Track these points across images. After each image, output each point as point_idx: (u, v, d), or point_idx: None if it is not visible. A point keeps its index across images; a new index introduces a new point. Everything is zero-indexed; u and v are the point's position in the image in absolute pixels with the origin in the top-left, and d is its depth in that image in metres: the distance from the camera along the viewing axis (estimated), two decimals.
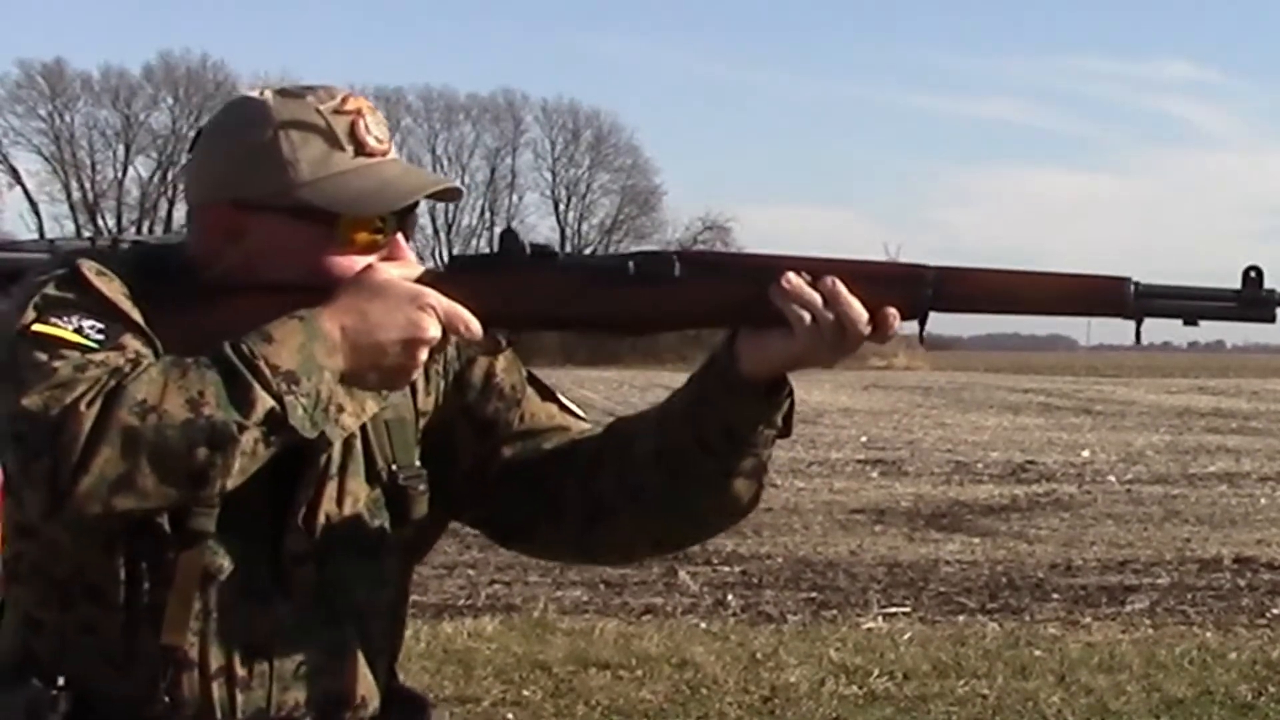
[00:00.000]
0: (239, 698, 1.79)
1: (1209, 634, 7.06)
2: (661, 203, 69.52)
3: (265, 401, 1.62)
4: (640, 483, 1.88)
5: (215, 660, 1.78)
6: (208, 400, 1.61)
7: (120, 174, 60.74)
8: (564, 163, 67.30)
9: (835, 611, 7.65)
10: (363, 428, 1.86)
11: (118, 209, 60.05)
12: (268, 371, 1.63)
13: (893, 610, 7.65)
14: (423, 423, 1.94)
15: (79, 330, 1.68)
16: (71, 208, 61.75)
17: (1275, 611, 7.67)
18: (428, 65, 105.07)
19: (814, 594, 8.15)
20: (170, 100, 60.58)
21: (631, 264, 1.81)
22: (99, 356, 1.65)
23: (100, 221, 59.00)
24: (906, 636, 6.89)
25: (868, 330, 1.75)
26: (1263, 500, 12.43)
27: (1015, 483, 13.59)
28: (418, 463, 1.90)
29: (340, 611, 1.84)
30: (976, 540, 10.10)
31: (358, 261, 1.78)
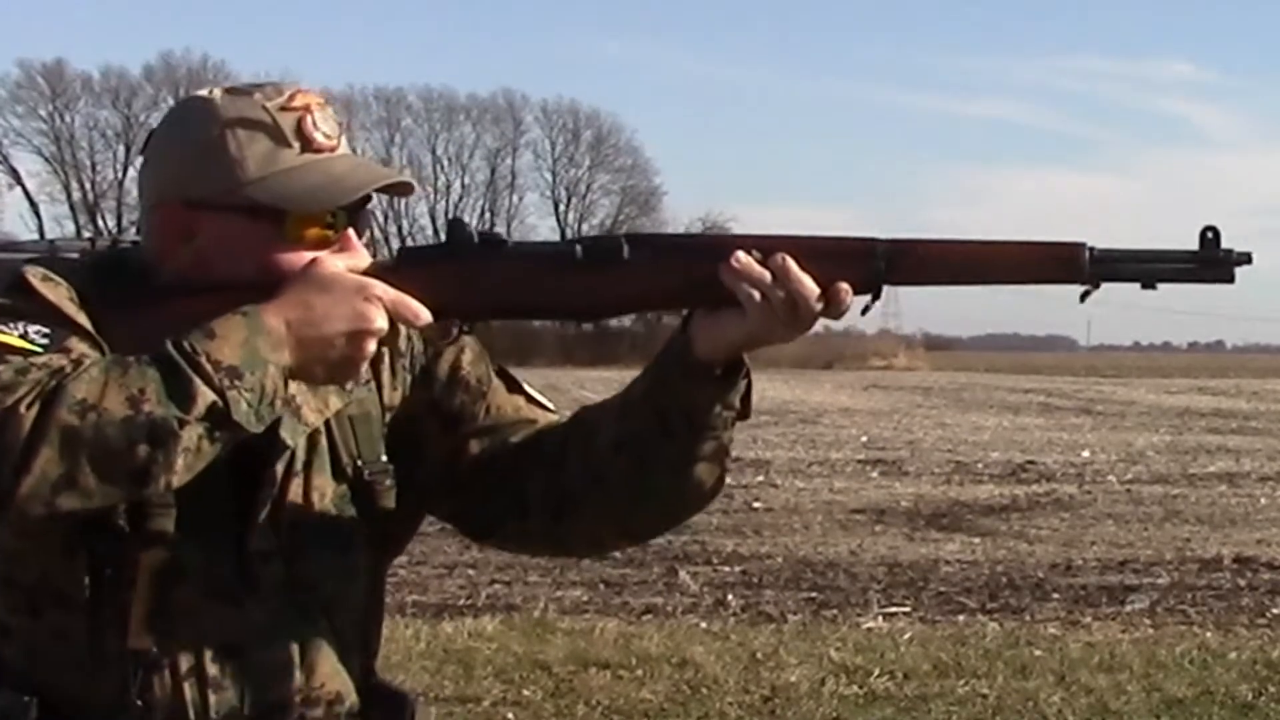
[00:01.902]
0: (211, 698, 1.79)
1: (1209, 634, 7.06)
2: (661, 203, 69.54)
3: (206, 396, 1.61)
4: (604, 472, 1.88)
5: (185, 661, 1.78)
6: (148, 397, 1.60)
7: (120, 174, 60.72)
8: (564, 163, 67.36)
9: (835, 611, 7.65)
10: (327, 423, 1.87)
11: (118, 209, 60.03)
12: (209, 367, 1.62)
13: (893, 610, 7.65)
14: (389, 417, 1.93)
15: (24, 336, 1.68)
16: (71, 208, 61.77)
17: (1275, 611, 7.67)
18: (428, 65, 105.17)
19: (814, 594, 8.15)
20: (170, 100, 60.38)
21: (580, 249, 1.80)
22: (42, 359, 1.64)
23: (100, 221, 59.01)
24: (906, 636, 6.89)
25: (820, 306, 1.74)
26: (1263, 500, 12.43)
27: (1015, 483, 13.58)
28: (384, 457, 1.90)
29: (310, 607, 1.84)
30: (976, 540, 10.10)
31: (308, 258, 1.77)
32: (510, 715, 5.62)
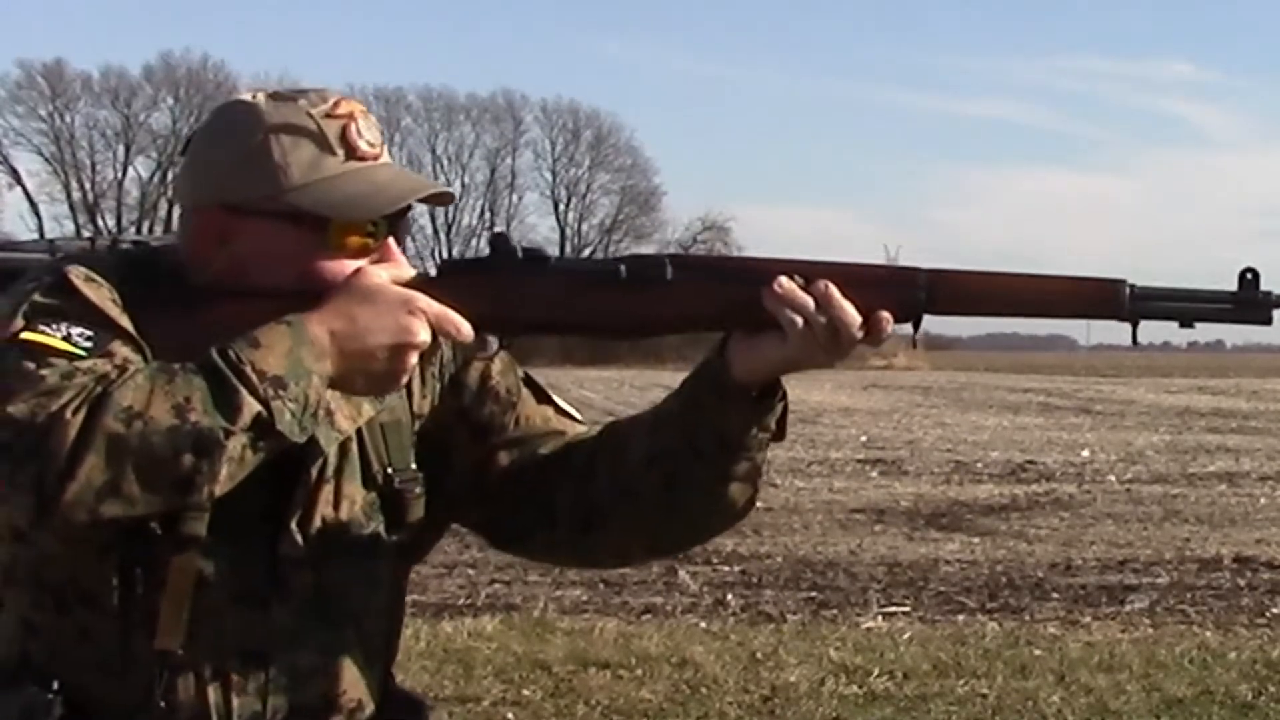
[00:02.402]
0: (234, 702, 1.79)
1: (1209, 634, 7.06)
2: (661, 203, 69.53)
3: (252, 407, 1.61)
4: (634, 487, 1.88)
5: (210, 665, 1.78)
6: (194, 406, 1.60)
7: (120, 174, 60.78)
8: (564, 163, 67.30)
9: (835, 611, 7.65)
10: (358, 431, 1.86)
11: (118, 209, 60.07)
12: (254, 377, 1.62)
13: (893, 610, 7.65)
14: (418, 425, 1.93)
15: (67, 338, 1.68)
16: (71, 208, 61.75)
17: (1275, 611, 7.67)
18: (428, 65, 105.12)
19: (814, 594, 8.15)
20: (170, 100, 60.50)
21: (623, 268, 1.80)
22: (86, 364, 1.64)
23: (100, 221, 58.99)
24: (906, 636, 6.89)
25: (861, 334, 1.74)
26: (1263, 500, 12.43)
27: (1015, 482, 13.58)
28: (414, 465, 1.90)
29: (337, 614, 1.84)
30: (976, 540, 10.10)
31: (349, 266, 1.77)
32: (510, 715, 5.62)
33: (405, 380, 1.75)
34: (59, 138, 60.95)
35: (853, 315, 1.74)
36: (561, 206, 67.17)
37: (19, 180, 61.15)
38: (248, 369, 1.63)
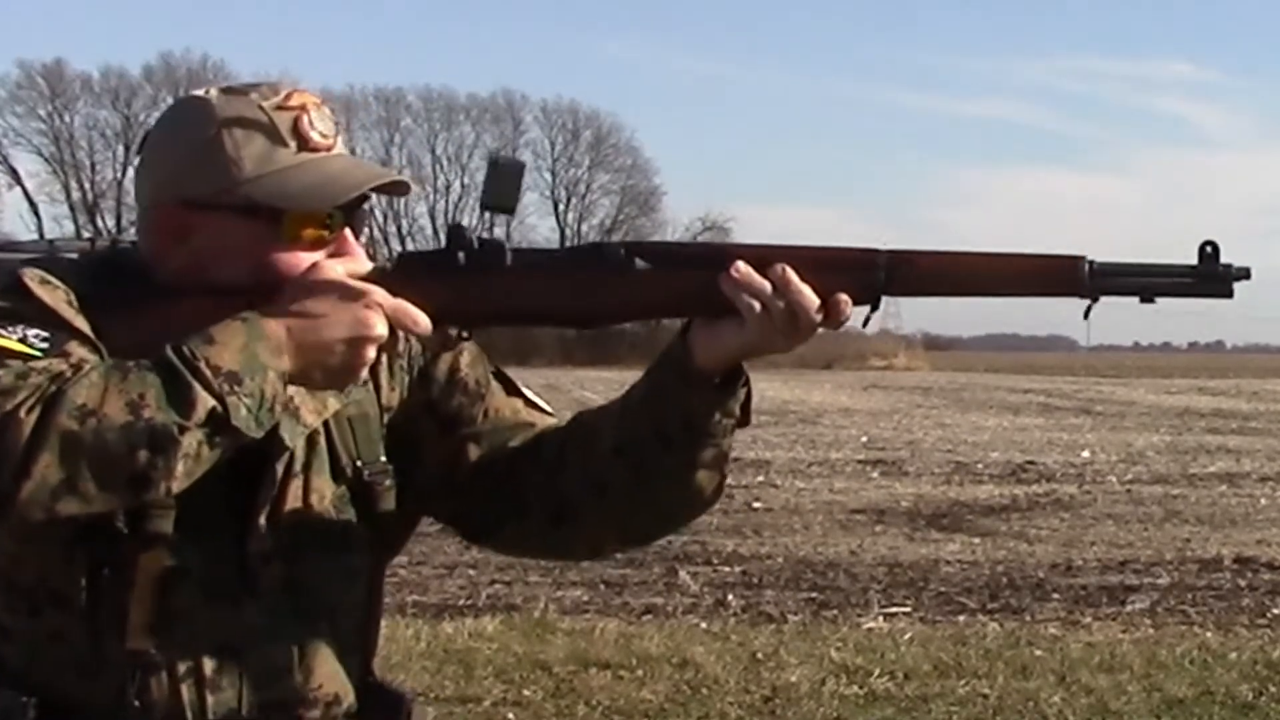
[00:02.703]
0: (209, 699, 1.79)
1: (1209, 634, 7.06)
2: (661, 203, 69.57)
3: (206, 402, 1.61)
4: (603, 477, 1.87)
5: (183, 663, 1.78)
6: (148, 403, 1.60)
7: (120, 174, 60.71)
8: (564, 163, 67.37)
9: (835, 611, 7.65)
10: (326, 424, 1.86)
11: (117, 209, 60.02)
12: (209, 372, 1.62)
13: (893, 610, 7.65)
14: (387, 418, 1.93)
15: (23, 340, 1.68)
16: (71, 208, 61.79)
17: (1275, 611, 7.67)
18: (428, 65, 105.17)
19: (814, 594, 8.15)
20: (170, 100, 60.28)
21: (579, 256, 1.81)
22: (42, 364, 1.64)
23: (100, 221, 59.02)
24: (907, 636, 6.89)
25: (819, 317, 1.74)
26: (1263, 500, 12.43)
27: (1015, 483, 13.58)
28: (383, 458, 1.90)
29: (310, 609, 1.84)
30: (976, 540, 10.10)
31: (305, 258, 1.76)
32: (510, 715, 5.62)
33: (363, 373, 1.74)
34: (59, 138, 61.01)
35: (810, 299, 1.73)
36: (561, 207, 67.25)
37: (19, 180, 61.22)
38: (202, 364, 1.62)
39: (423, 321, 1.73)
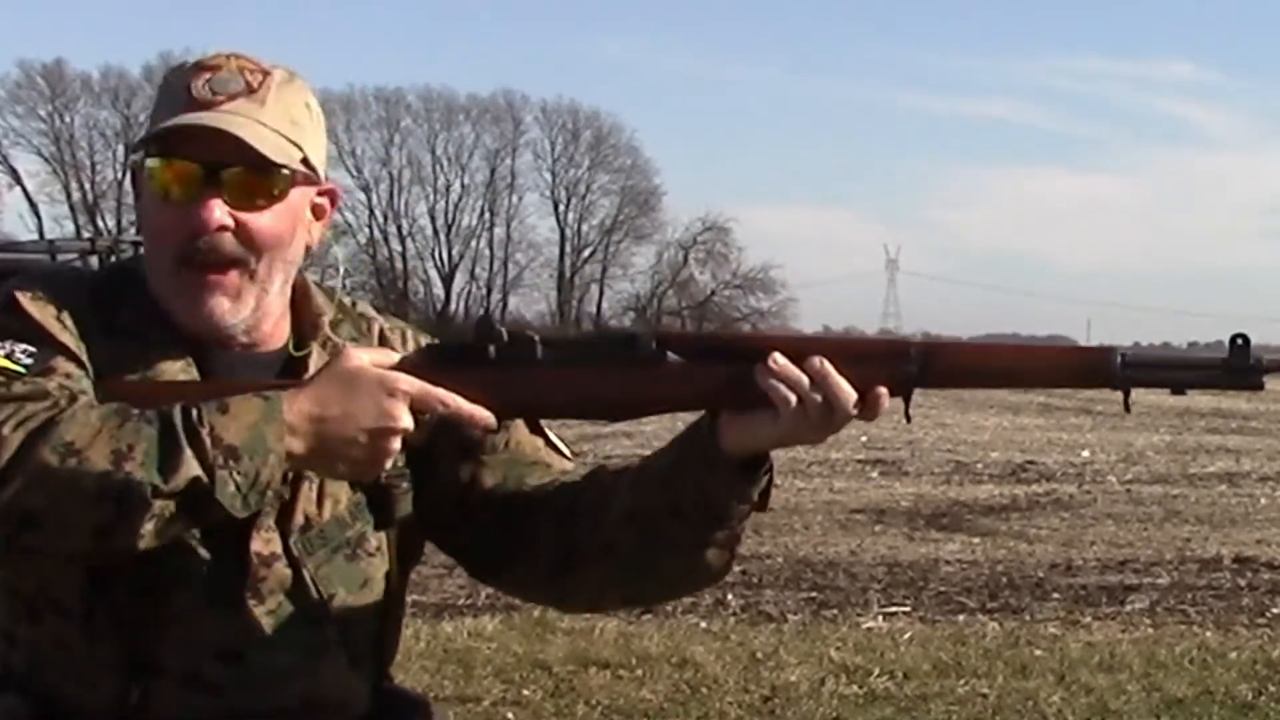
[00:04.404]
0: (212, 703, 1.78)
1: (1209, 634, 7.06)
2: (661, 203, 69.47)
3: (192, 469, 1.59)
4: (612, 541, 1.86)
5: (185, 666, 1.77)
6: (133, 456, 1.58)
7: (120, 174, 60.66)
8: (564, 163, 67.31)
9: (835, 611, 7.65)
10: None
11: (118, 209, 59.98)
12: (208, 440, 1.60)
13: (893, 610, 7.65)
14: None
15: (9, 355, 1.69)
16: (71, 208, 61.77)
17: (1275, 611, 7.67)
18: (428, 65, 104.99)
19: (814, 594, 8.15)
20: None
21: (610, 348, 1.78)
22: (31, 384, 1.65)
23: (100, 222, 59.00)
24: (906, 636, 6.89)
25: (855, 410, 1.72)
26: (1263, 500, 12.43)
27: (1015, 483, 13.58)
28: (401, 462, 1.88)
29: (316, 613, 1.83)
30: (976, 540, 10.10)
31: (180, 216, 1.77)
32: (510, 715, 5.62)
33: (387, 465, 1.71)
34: (59, 138, 60.99)
35: (848, 392, 1.71)
36: (561, 207, 67.20)
37: (19, 180, 61.18)
38: (204, 431, 1.60)
39: (450, 400, 1.71)
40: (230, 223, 1.78)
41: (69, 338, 1.75)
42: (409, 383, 1.69)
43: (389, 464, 1.71)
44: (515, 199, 66.96)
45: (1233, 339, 1.75)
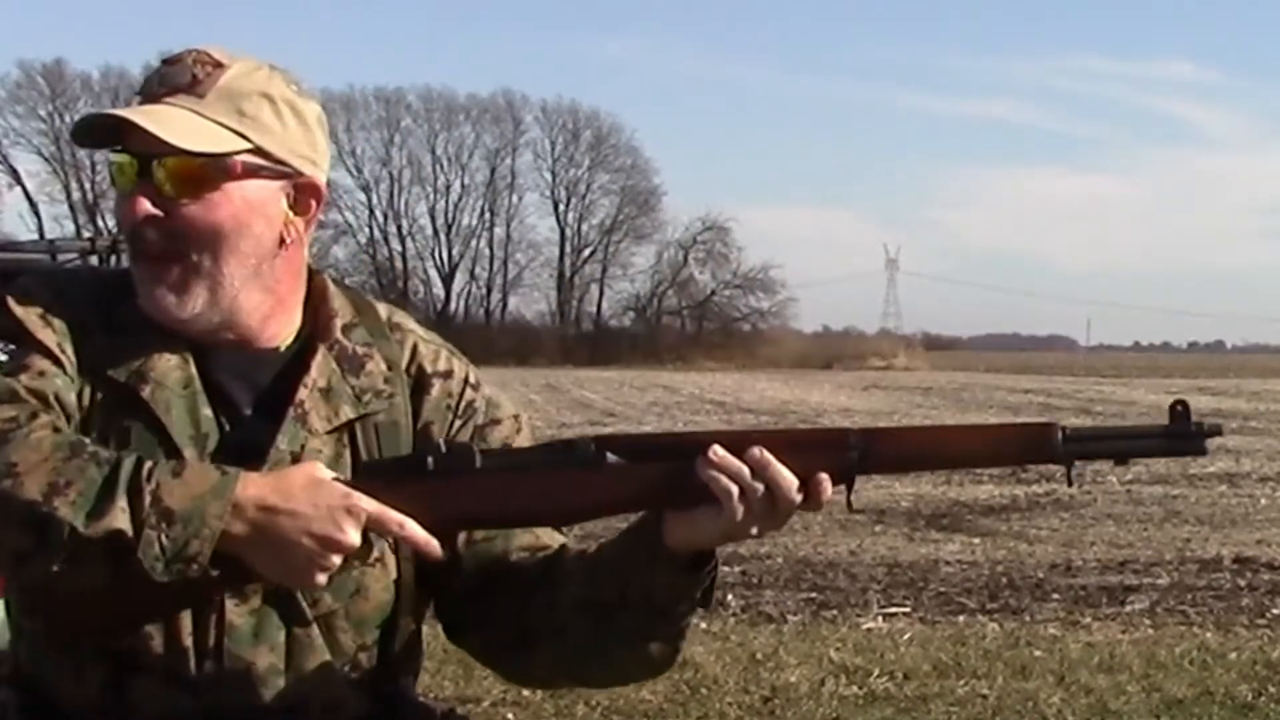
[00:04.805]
0: (191, 700, 1.79)
1: (1209, 634, 7.06)
2: (661, 203, 69.65)
3: (118, 521, 1.60)
4: (564, 623, 1.87)
5: (165, 663, 1.78)
6: (67, 493, 1.59)
7: None
8: (564, 163, 67.42)
9: (835, 611, 7.65)
10: (351, 434, 1.87)
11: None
12: (148, 498, 1.61)
13: (893, 610, 7.65)
14: (419, 426, 1.93)
15: None
16: (71, 208, 61.83)
17: (1275, 611, 7.66)
18: (428, 65, 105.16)
19: (814, 594, 8.15)
20: None
21: (551, 455, 1.79)
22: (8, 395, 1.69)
23: (100, 222, 58.99)
24: (906, 636, 6.89)
25: (799, 498, 1.73)
26: (1263, 500, 12.43)
27: (1015, 483, 13.57)
28: None
29: (297, 615, 1.83)
30: (976, 540, 10.10)
31: (124, 208, 1.82)
32: (510, 715, 5.62)
33: (322, 581, 1.71)
34: (59, 138, 60.99)
35: (789, 478, 1.72)
36: (561, 207, 67.26)
37: (19, 180, 61.23)
38: (148, 488, 1.61)
39: (410, 526, 1.71)
40: (158, 213, 1.80)
41: (49, 336, 1.77)
42: (369, 504, 1.69)
43: (323, 580, 1.71)
44: (515, 199, 67.07)
45: (1172, 406, 1.77)
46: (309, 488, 1.69)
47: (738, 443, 1.73)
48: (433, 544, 1.73)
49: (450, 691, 5.86)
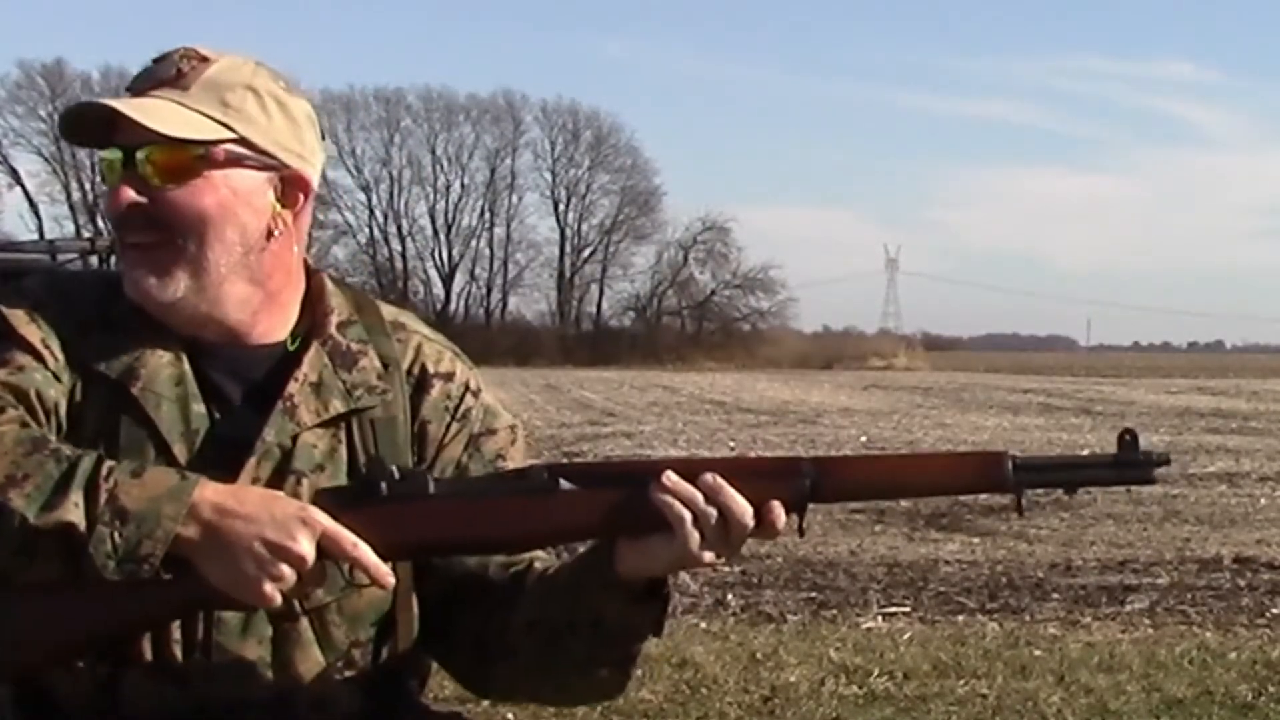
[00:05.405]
0: (182, 693, 1.79)
1: (1209, 634, 7.06)
2: (661, 203, 69.57)
3: (69, 514, 1.61)
4: (515, 644, 1.89)
5: (156, 656, 1.79)
6: (24, 486, 1.61)
7: None
8: (564, 163, 67.37)
9: (835, 611, 7.65)
10: (348, 429, 1.87)
11: None
12: (104, 496, 1.61)
13: (893, 610, 7.65)
14: (416, 425, 1.93)
15: None
16: (71, 208, 61.80)
17: (1275, 611, 7.66)
18: (428, 65, 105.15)
19: (814, 594, 8.15)
20: None
21: (504, 483, 1.80)
22: None
23: (100, 222, 58.94)
24: (906, 636, 6.89)
25: (751, 524, 1.73)
26: (1263, 500, 12.43)
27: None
28: (409, 463, 1.89)
29: (287, 609, 1.82)
30: (976, 540, 10.10)
31: (111, 201, 1.84)
32: (510, 715, 5.62)
33: (274, 597, 1.69)
34: (59, 138, 60.94)
35: (742, 504, 1.73)
36: (561, 207, 67.21)
37: (19, 180, 61.22)
38: (105, 486, 1.62)
39: (363, 550, 1.71)
40: (142, 200, 1.82)
41: (33, 332, 1.78)
42: (325, 519, 1.70)
43: (275, 597, 1.69)
44: (515, 199, 67.01)
45: (1121, 436, 1.79)
46: (267, 498, 1.70)
47: (691, 470, 1.74)
48: (382, 569, 1.73)
49: (450, 691, 5.85)
